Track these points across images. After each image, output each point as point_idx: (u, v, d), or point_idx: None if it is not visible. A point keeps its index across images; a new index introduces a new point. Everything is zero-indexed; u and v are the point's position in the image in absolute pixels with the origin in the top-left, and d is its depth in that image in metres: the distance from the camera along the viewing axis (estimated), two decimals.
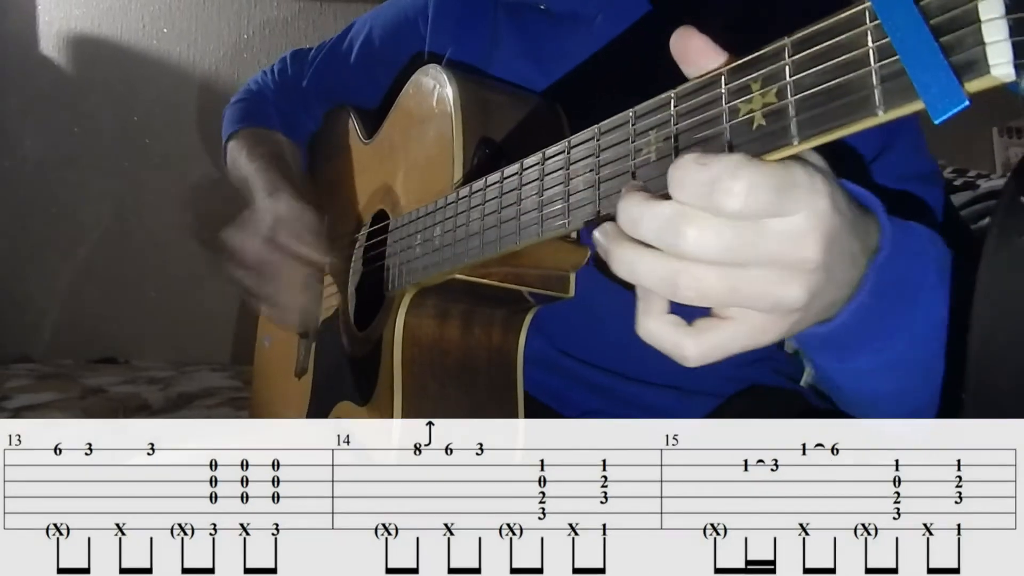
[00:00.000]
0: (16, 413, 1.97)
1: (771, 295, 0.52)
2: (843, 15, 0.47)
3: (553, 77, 1.04)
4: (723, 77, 0.53)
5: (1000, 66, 0.40)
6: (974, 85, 0.42)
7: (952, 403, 0.80)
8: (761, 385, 1.07)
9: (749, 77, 0.51)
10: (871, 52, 0.45)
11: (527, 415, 0.94)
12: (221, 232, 1.12)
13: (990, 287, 0.60)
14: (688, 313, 0.57)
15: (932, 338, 0.71)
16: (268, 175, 1.23)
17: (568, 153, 0.66)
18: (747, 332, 0.55)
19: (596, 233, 0.56)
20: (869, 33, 0.45)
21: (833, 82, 0.47)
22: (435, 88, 0.96)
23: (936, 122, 0.43)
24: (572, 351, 1.07)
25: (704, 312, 0.57)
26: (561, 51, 1.04)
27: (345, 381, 1.05)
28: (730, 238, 0.50)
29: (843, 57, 0.46)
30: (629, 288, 0.56)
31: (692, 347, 0.56)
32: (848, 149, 0.87)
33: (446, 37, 1.16)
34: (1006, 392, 0.64)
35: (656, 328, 0.56)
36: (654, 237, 0.52)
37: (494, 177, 0.76)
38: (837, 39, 0.47)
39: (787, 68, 0.49)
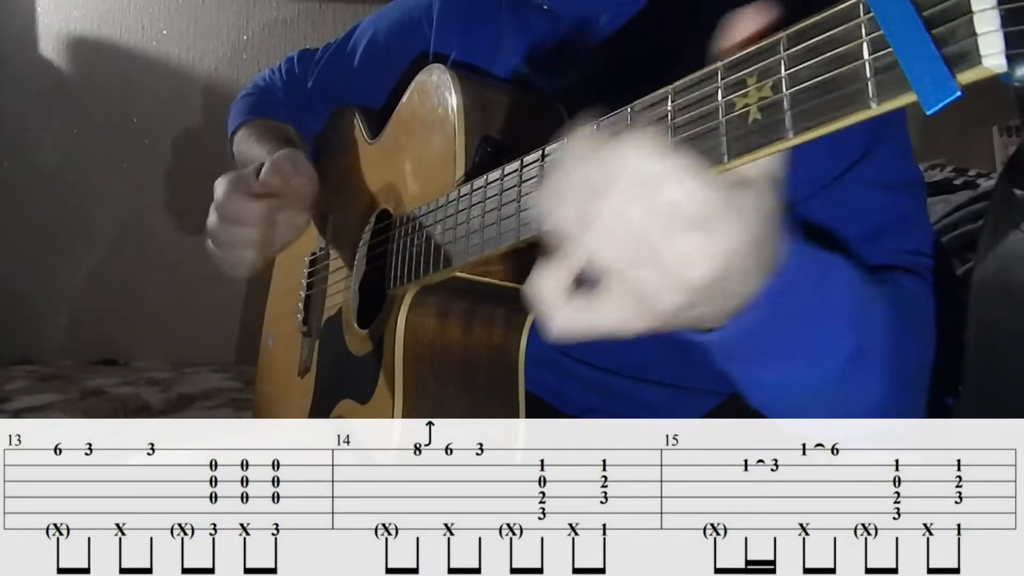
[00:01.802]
0: (16, 415, 1.97)
1: (651, 292, 0.55)
2: (838, 8, 0.47)
3: (557, 78, 1.04)
4: (719, 72, 0.53)
5: (992, 56, 0.41)
6: (967, 76, 0.42)
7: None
8: None
9: (745, 72, 0.52)
10: (865, 45, 0.45)
11: (527, 413, 0.94)
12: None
13: (986, 281, 0.60)
14: None
15: (832, 365, 0.71)
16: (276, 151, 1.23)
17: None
18: (614, 317, 0.57)
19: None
20: (863, 26, 0.46)
21: (827, 75, 0.47)
22: (438, 88, 0.96)
23: (928, 113, 0.43)
24: (572, 350, 1.07)
25: None
26: (565, 52, 1.04)
27: (347, 379, 1.05)
28: (644, 219, 0.52)
29: (837, 50, 0.47)
30: None
31: (562, 319, 0.58)
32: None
33: (451, 38, 1.16)
34: (1007, 385, 0.64)
35: (547, 285, 0.58)
36: (588, 177, 0.55)
37: (494, 175, 0.77)
38: (831, 32, 0.47)
39: (782, 62, 0.50)
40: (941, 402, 0.88)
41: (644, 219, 0.52)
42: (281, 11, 3.20)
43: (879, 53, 0.45)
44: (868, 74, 0.45)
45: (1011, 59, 0.40)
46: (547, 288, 0.59)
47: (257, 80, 1.49)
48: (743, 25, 0.54)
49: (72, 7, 3.13)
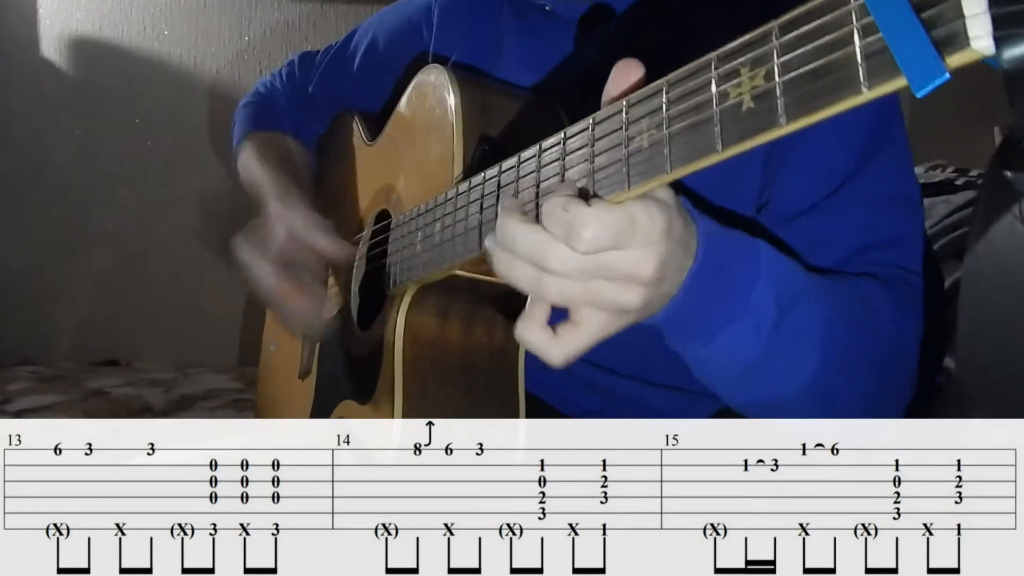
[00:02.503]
0: (18, 415, 1.97)
1: (614, 301, 0.65)
2: None
3: (557, 80, 1.04)
4: (713, 62, 0.54)
5: (979, 39, 0.41)
6: (955, 59, 0.42)
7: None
8: None
9: (738, 61, 0.52)
10: (856, 31, 0.45)
11: (527, 414, 0.94)
12: (232, 239, 1.12)
13: (979, 264, 0.60)
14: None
15: (757, 343, 0.75)
16: (280, 182, 1.23)
17: (563, 144, 0.67)
18: (596, 329, 0.67)
19: (487, 240, 0.70)
20: (854, 12, 0.46)
21: (819, 62, 0.47)
22: (436, 89, 0.96)
23: (918, 95, 0.43)
24: None
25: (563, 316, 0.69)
26: (566, 54, 1.04)
27: (347, 380, 1.05)
28: (581, 264, 0.63)
29: (829, 37, 0.47)
30: None
31: (558, 351, 0.68)
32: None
33: (452, 40, 1.16)
34: (1001, 370, 0.64)
35: (534, 336, 0.68)
36: (525, 253, 0.65)
37: (492, 172, 0.77)
38: (823, 19, 0.47)
39: (775, 50, 0.50)
40: (929, 381, 0.90)
41: (576, 262, 0.63)
42: (283, 13, 3.20)
43: (869, 39, 0.45)
44: (859, 60, 0.45)
45: (998, 41, 0.40)
46: (532, 334, 0.68)
47: (259, 87, 1.49)
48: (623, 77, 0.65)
49: (74, 8, 3.13)
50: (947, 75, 0.42)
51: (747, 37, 0.52)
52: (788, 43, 0.49)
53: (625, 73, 0.64)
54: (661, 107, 0.57)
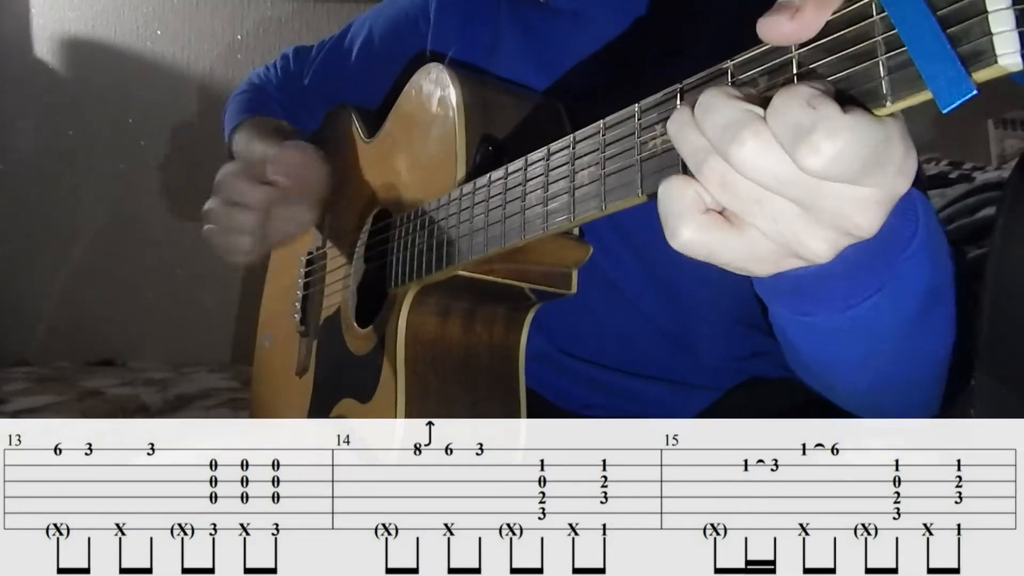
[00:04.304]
0: (15, 416, 1.96)
1: (797, 241, 0.49)
2: (850, 8, 0.47)
3: (556, 75, 1.04)
4: (730, 70, 0.53)
5: (1007, 56, 0.41)
6: (981, 75, 0.42)
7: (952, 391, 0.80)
8: (760, 378, 1.07)
9: (756, 70, 0.52)
10: (879, 44, 0.45)
11: (528, 410, 0.95)
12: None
13: (1006, 275, 0.60)
14: None
15: (906, 309, 0.68)
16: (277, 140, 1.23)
17: (573, 148, 0.67)
18: (745, 251, 0.51)
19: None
20: (876, 25, 0.45)
21: (840, 74, 0.47)
22: (437, 87, 0.96)
23: (944, 111, 0.43)
24: (572, 348, 1.07)
25: None
26: (564, 49, 1.04)
27: (347, 379, 1.05)
28: (787, 176, 0.46)
29: (850, 49, 0.47)
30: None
31: (690, 231, 0.51)
32: None
33: (449, 36, 1.16)
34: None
35: (682, 191, 0.51)
36: (713, 133, 0.48)
37: (498, 174, 0.77)
38: (844, 32, 0.47)
39: (794, 61, 0.49)
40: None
41: (781, 171, 0.46)
42: (275, 10, 3.20)
43: (893, 52, 0.45)
44: (882, 73, 0.45)
45: None
46: (684, 197, 0.51)
47: (252, 77, 1.49)
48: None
49: (66, 8, 3.12)
50: (975, 91, 0.42)
51: (765, 47, 0.51)
52: (808, 54, 0.49)
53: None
54: None
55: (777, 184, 0.46)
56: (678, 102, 0.57)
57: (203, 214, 1.09)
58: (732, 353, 1.07)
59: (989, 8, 0.41)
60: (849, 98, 0.46)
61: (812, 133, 0.44)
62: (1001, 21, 0.41)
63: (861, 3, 0.46)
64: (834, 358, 0.74)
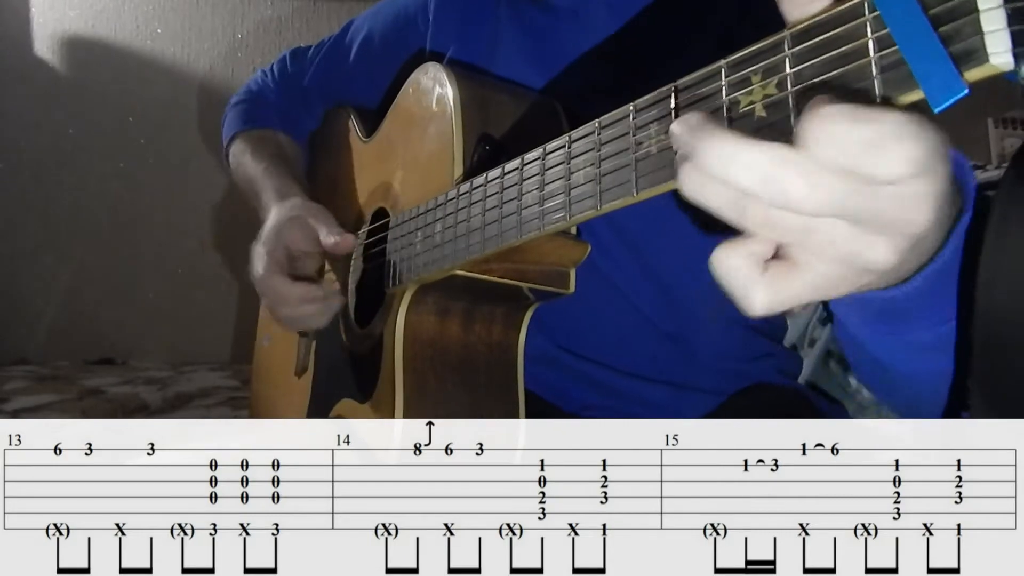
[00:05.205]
0: (15, 415, 1.96)
1: (859, 254, 0.47)
2: (842, 7, 0.47)
3: (554, 75, 1.04)
4: (723, 70, 0.54)
5: (999, 55, 0.41)
6: (973, 74, 0.42)
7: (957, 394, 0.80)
8: (763, 384, 1.07)
9: (749, 69, 0.52)
10: (870, 43, 0.45)
11: (527, 411, 0.95)
12: (248, 248, 1.11)
13: (998, 278, 0.60)
14: None
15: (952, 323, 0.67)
16: (276, 178, 1.23)
17: (569, 148, 0.67)
18: (819, 284, 0.49)
19: (676, 128, 0.50)
20: (868, 24, 0.46)
21: (833, 73, 0.47)
22: (435, 86, 0.96)
23: (936, 111, 0.43)
24: (571, 347, 1.07)
25: None
26: (563, 48, 1.04)
27: (346, 379, 1.05)
28: (843, 195, 0.44)
29: (842, 48, 0.47)
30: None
31: (763, 293, 0.50)
32: None
33: (448, 35, 1.16)
34: (1019, 385, 0.64)
35: (735, 264, 0.50)
36: (753, 186, 0.45)
37: (495, 173, 0.77)
38: (836, 31, 0.47)
39: (787, 60, 0.50)
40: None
41: (836, 192, 0.44)
42: (275, 9, 3.20)
43: (885, 51, 0.45)
44: (874, 72, 0.45)
45: (1018, 57, 0.40)
46: (732, 260, 0.50)
47: (250, 84, 1.49)
48: None
49: (67, 7, 3.12)
50: (966, 90, 0.42)
51: (758, 46, 0.52)
52: (801, 53, 0.49)
53: None
54: (670, 113, 0.57)
55: (830, 208, 0.45)
56: (672, 102, 0.57)
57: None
58: (731, 354, 1.07)
59: (980, 7, 0.41)
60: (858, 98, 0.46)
61: (879, 144, 0.42)
62: (992, 20, 0.41)
63: (853, 2, 0.46)
64: (930, 369, 0.72)
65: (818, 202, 0.44)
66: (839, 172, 0.44)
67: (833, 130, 0.43)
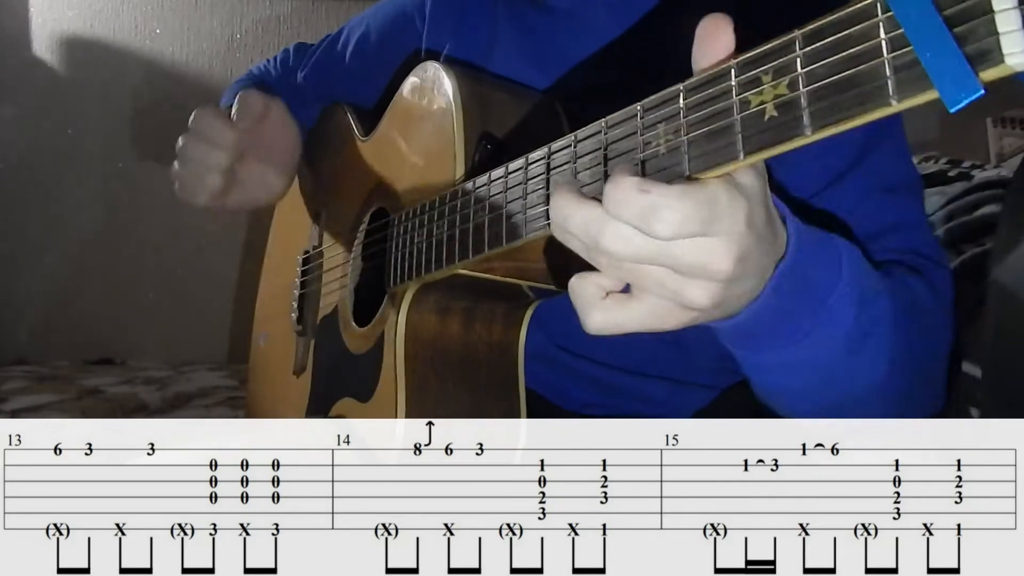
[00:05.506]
0: (14, 415, 1.96)
1: (677, 294, 0.58)
2: (854, 7, 0.47)
3: (552, 75, 1.04)
4: (733, 70, 0.54)
5: (1014, 55, 0.41)
6: (988, 74, 0.42)
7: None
8: None
9: (760, 69, 0.52)
10: (883, 43, 0.45)
11: (528, 410, 0.95)
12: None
13: (1010, 278, 0.60)
14: None
15: (837, 343, 0.73)
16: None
17: (575, 147, 0.67)
18: (647, 315, 0.61)
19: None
20: (881, 25, 0.46)
21: (845, 73, 0.47)
22: (434, 84, 0.96)
23: (951, 111, 0.43)
24: (570, 346, 1.07)
25: None
26: (560, 48, 1.04)
27: (346, 378, 1.05)
28: (643, 249, 0.56)
29: (855, 48, 0.47)
30: None
31: (598, 316, 0.63)
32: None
33: (444, 34, 1.16)
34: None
35: (583, 289, 0.63)
36: (580, 233, 0.59)
37: (498, 172, 0.76)
38: (848, 31, 0.47)
39: (798, 60, 0.50)
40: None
41: (635, 244, 0.56)
42: (274, 8, 3.19)
43: (898, 51, 0.45)
44: (888, 72, 0.45)
45: None
46: (583, 287, 0.63)
47: (252, 70, 1.50)
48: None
49: (65, 7, 3.12)
50: (982, 90, 0.42)
51: (769, 46, 0.52)
52: (812, 53, 0.49)
53: (714, 34, 0.56)
54: (679, 113, 0.57)
55: (646, 256, 0.56)
56: (680, 102, 0.57)
57: (176, 152, 1.16)
58: (724, 353, 1.07)
59: (995, 8, 0.41)
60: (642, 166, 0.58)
61: (655, 210, 0.54)
62: (1007, 21, 0.41)
63: (865, 2, 0.46)
64: (780, 387, 0.80)
65: (627, 254, 0.57)
66: (637, 231, 0.55)
67: (623, 197, 0.55)
